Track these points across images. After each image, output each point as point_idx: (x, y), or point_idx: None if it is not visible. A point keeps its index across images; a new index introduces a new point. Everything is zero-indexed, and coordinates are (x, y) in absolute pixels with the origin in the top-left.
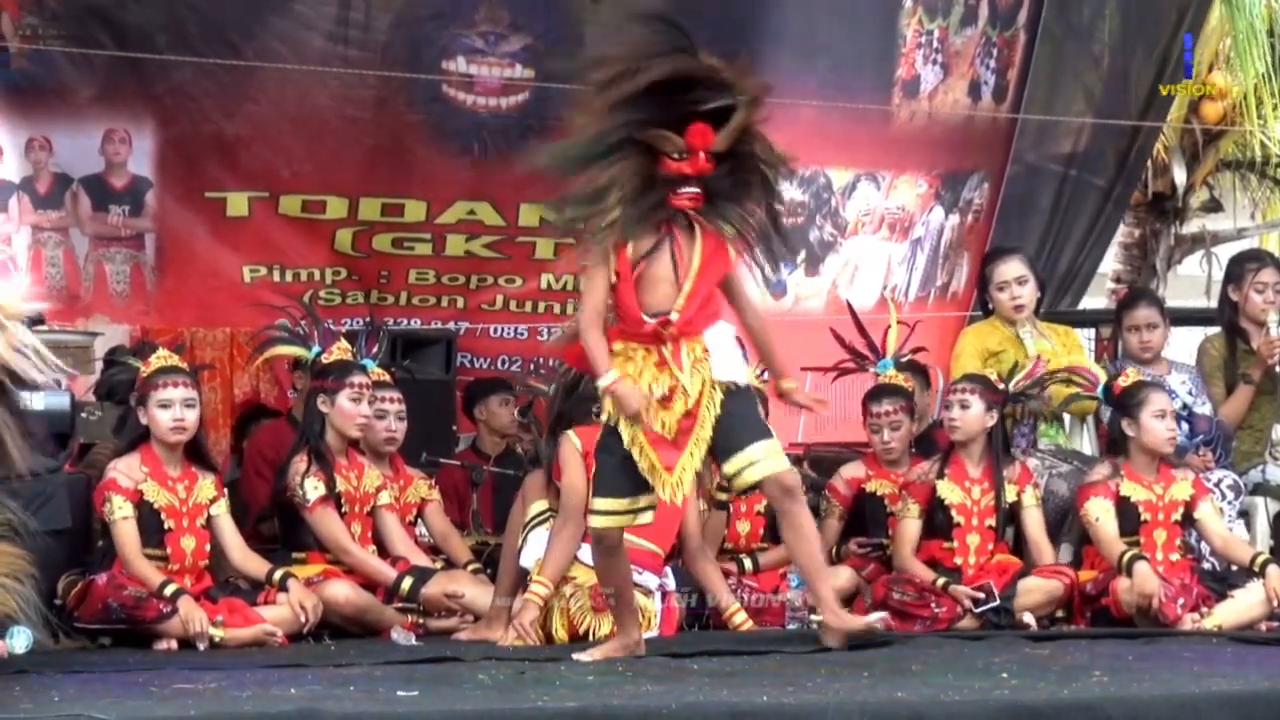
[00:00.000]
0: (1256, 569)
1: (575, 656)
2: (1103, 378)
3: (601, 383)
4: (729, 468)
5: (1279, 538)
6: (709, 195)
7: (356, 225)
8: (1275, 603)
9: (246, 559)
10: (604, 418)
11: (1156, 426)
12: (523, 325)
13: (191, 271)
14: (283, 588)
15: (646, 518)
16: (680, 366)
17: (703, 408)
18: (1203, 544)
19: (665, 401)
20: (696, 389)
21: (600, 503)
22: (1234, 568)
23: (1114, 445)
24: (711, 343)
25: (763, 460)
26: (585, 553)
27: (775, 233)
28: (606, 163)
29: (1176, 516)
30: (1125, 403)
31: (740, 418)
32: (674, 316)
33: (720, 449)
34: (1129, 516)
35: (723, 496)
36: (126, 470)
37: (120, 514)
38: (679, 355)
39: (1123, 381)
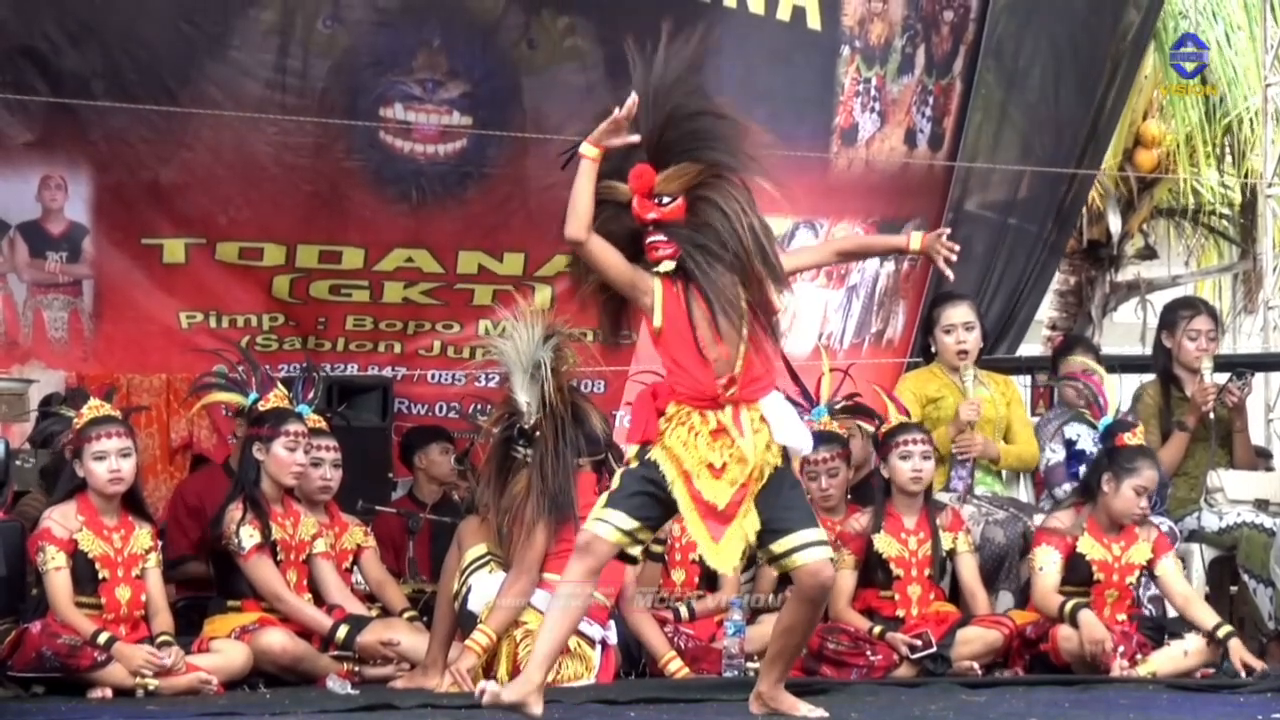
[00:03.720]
0: (1220, 638)
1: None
2: (1109, 417)
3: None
4: (777, 548)
5: (1214, 584)
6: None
7: (294, 272)
8: (1244, 674)
9: (154, 614)
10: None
11: (1131, 498)
12: (460, 372)
13: (128, 318)
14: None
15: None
16: (741, 432)
17: (754, 481)
18: (1140, 590)
19: (718, 471)
20: (755, 460)
21: (609, 513)
22: (1171, 614)
23: (1085, 490)
24: (769, 410)
25: (811, 547)
26: (538, 598)
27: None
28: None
29: (1131, 580)
30: (1117, 459)
31: (789, 497)
32: (735, 376)
33: (768, 527)
34: (1079, 570)
35: (658, 549)
36: (62, 519)
37: (53, 564)
38: (739, 421)
39: (1130, 439)
